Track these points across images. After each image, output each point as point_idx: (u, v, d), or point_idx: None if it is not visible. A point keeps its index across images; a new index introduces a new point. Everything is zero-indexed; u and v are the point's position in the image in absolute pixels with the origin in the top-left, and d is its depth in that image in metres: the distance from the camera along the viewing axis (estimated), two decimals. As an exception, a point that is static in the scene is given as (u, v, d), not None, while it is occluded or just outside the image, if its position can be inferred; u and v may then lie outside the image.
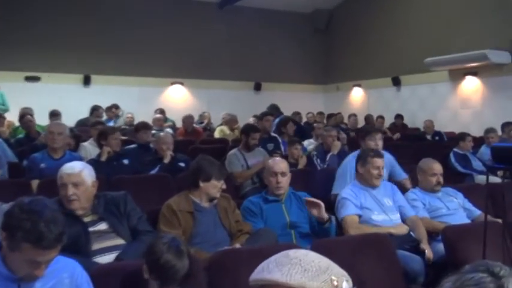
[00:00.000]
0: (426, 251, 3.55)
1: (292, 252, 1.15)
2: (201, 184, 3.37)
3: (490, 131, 7.49)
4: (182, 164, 5.44)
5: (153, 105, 12.00)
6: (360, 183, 4.01)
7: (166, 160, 5.33)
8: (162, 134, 5.99)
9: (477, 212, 4.25)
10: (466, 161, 7.05)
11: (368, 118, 11.83)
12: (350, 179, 4.44)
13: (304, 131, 8.89)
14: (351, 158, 4.67)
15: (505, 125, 8.13)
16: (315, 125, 8.67)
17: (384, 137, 9.60)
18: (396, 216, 3.90)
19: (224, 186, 3.46)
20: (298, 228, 3.63)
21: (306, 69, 14.92)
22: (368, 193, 3.94)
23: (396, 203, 4.00)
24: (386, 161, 4.56)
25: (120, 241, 2.87)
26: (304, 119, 11.90)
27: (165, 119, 10.46)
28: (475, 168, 6.87)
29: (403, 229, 3.77)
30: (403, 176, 5.05)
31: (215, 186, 3.39)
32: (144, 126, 6.44)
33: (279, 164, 3.80)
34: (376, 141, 4.79)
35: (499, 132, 7.90)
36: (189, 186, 3.45)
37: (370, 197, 3.90)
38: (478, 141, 7.93)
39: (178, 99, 13.26)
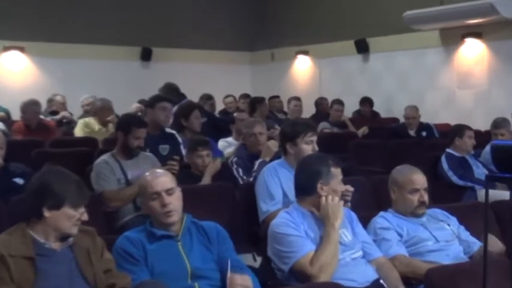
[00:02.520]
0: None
1: None
2: (47, 213, 3.30)
3: (500, 123, 7.80)
4: (18, 180, 5.27)
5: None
6: (303, 207, 4.11)
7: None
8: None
9: (477, 245, 4.42)
10: (465, 167, 7.33)
11: (320, 104, 12.04)
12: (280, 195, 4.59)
13: (218, 125, 8.93)
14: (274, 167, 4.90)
15: (521, 114, 8.51)
16: (235, 115, 8.70)
17: (344, 133, 9.98)
18: (358, 255, 4.01)
19: (85, 217, 3.41)
20: (205, 279, 3.64)
21: (222, 27, 14.99)
22: (313, 221, 4.03)
23: (357, 236, 4.12)
24: None
25: None
26: (220, 106, 11.94)
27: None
28: (478, 178, 7.15)
29: None
30: None
31: (70, 217, 3.33)
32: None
33: (159, 178, 3.82)
34: (313, 145, 4.98)
35: (513, 125, 8.25)
36: (27, 216, 3.38)
37: (316, 228, 4.00)
38: (483, 138, 8.27)
39: (15, 74, 13.00)
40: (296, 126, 5.09)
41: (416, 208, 4.42)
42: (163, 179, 3.82)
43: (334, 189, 4.08)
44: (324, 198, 3.99)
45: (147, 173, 3.98)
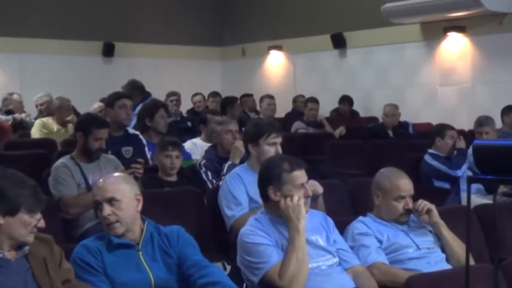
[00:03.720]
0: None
1: None
2: (1, 220, 3.28)
3: (483, 121, 7.83)
4: (-30, 186, 5.28)
5: None
6: (270, 212, 4.13)
7: None
8: None
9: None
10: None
11: (297, 101, 12.06)
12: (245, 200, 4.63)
13: (185, 126, 8.91)
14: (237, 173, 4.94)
15: (506, 111, 8.61)
16: (208, 116, 8.63)
17: (320, 133, 10.01)
18: (333, 262, 4.03)
19: (42, 224, 3.39)
20: (168, 292, 3.66)
21: (189, 21, 14.99)
22: (282, 228, 4.04)
23: (332, 243, 4.14)
24: None
25: None
26: (188, 105, 11.92)
27: None
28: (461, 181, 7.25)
29: None
30: None
31: (26, 224, 3.31)
32: None
33: (102, 186, 3.77)
34: (277, 147, 5.00)
35: (499, 123, 8.35)
36: (-21, 223, 3.36)
37: (285, 234, 4.01)
38: (467, 137, 8.31)
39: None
40: (259, 126, 5.10)
41: (401, 216, 4.44)
42: (106, 187, 3.76)
43: (288, 194, 4.00)
44: (282, 201, 3.97)
45: (104, 178, 3.94)
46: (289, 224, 3.91)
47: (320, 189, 4.67)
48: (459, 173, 7.25)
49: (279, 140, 5.02)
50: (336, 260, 4.08)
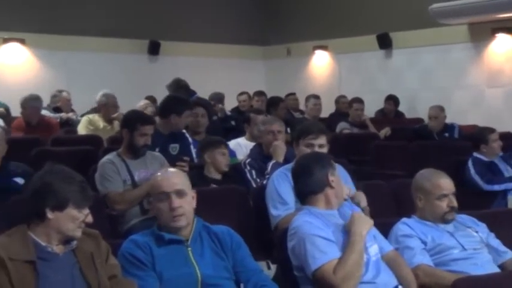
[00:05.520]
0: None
1: None
2: (50, 215, 3.33)
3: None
4: (19, 180, 5.40)
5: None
6: (318, 207, 4.12)
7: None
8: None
9: (509, 255, 4.44)
10: (494, 172, 7.34)
11: (340, 102, 12.02)
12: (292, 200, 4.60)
13: (229, 125, 8.92)
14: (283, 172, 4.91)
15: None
16: (251, 115, 8.63)
17: (365, 134, 9.96)
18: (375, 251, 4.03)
19: (90, 219, 3.44)
20: (216, 287, 3.67)
21: (235, 20, 15.00)
22: (330, 218, 4.05)
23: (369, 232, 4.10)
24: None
25: None
26: (232, 104, 11.94)
27: (-8, 103, 10.23)
28: (509, 176, 7.22)
29: None
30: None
31: (74, 219, 3.36)
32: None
33: (170, 178, 3.82)
34: (313, 148, 4.99)
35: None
36: (28, 217, 3.40)
37: (334, 227, 4.01)
38: (514, 140, 8.27)
39: (15, 67, 12.99)
40: (300, 127, 5.21)
41: (446, 214, 4.41)
42: (174, 180, 3.80)
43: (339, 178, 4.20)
44: (353, 215, 4.00)
45: (159, 172, 3.99)
46: (352, 228, 3.90)
47: (364, 202, 4.66)
48: (488, 187, 7.16)
49: (317, 141, 4.98)
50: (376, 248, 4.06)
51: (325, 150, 4.98)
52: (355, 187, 5.25)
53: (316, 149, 4.93)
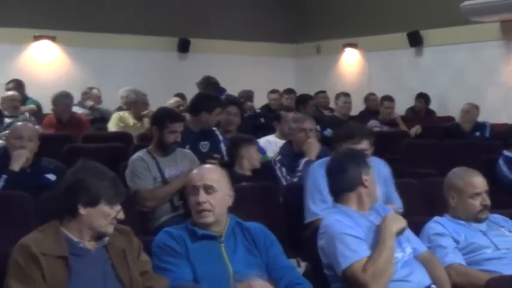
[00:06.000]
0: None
1: None
2: (82, 211, 3.35)
3: None
4: (51, 176, 5.41)
5: (3, 74, 11.83)
6: (349, 206, 4.11)
7: (17, 166, 5.29)
8: (18, 123, 5.93)
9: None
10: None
11: (370, 100, 11.99)
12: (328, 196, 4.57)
13: (259, 122, 8.92)
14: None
15: None
16: (282, 113, 8.63)
17: (395, 132, 9.92)
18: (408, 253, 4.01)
19: (122, 215, 3.45)
20: (248, 284, 3.67)
21: (264, 18, 15.00)
22: (360, 219, 4.02)
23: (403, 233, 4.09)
24: (377, 173, 4.69)
25: None
26: (262, 102, 11.94)
27: (24, 99, 10.27)
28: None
29: None
30: (396, 205, 5.18)
31: (106, 215, 3.38)
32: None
33: (203, 172, 3.84)
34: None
35: None
36: (60, 213, 3.42)
37: (365, 227, 3.99)
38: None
39: (46, 65, 13.14)
40: (343, 130, 5.18)
41: (479, 213, 4.38)
42: (206, 175, 3.81)
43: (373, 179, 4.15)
44: (385, 215, 3.99)
45: (200, 167, 4.03)
46: (383, 227, 3.89)
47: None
48: None
49: (359, 146, 4.90)
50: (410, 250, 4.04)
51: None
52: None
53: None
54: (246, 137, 6.40)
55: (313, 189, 4.95)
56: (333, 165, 4.26)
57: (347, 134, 5.04)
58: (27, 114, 9.30)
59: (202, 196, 3.72)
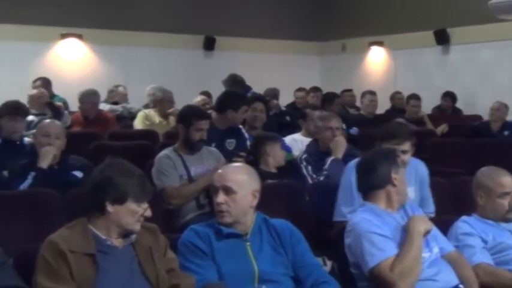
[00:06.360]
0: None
1: None
2: (110, 208, 3.36)
3: None
4: (78, 174, 5.46)
5: (30, 72, 11.88)
6: (377, 204, 4.10)
7: (44, 163, 5.31)
8: (46, 121, 5.96)
9: None
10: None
11: (396, 98, 11.93)
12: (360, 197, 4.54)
13: (284, 120, 8.91)
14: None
15: None
16: (308, 111, 8.60)
17: (422, 131, 9.88)
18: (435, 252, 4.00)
19: (149, 213, 3.47)
20: (273, 283, 3.66)
21: (289, 15, 15.00)
22: (388, 218, 4.02)
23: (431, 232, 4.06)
24: (414, 174, 4.74)
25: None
26: (287, 100, 11.93)
27: (51, 97, 10.33)
28: None
29: None
30: (429, 209, 5.14)
31: (133, 212, 3.39)
32: (11, 109, 6.43)
33: (224, 173, 3.83)
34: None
35: None
36: (88, 211, 3.44)
37: (392, 226, 3.98)
38: None
39: (72, 63, 13.20)
40: (386, 129, 5.10)
41: (508, 212, 4.36)
42: (228, 176, 3.80)
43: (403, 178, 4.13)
44: (412, 217, 3.97)
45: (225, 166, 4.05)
46: (411, 226, 3.88)
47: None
48: None
49: (401, 147, 4.82)
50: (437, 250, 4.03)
51: (407, 156, 4.85)
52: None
53: (403, 157, 4.77)
54: (270, 135, 6.40)
55: (347, 190, 4.93)
56: (363, 162, 4.25)
57: (389, 134, 4.97)
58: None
59: (221, 197, 3.73)
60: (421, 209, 4.48)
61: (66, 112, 9.15)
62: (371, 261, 3.79)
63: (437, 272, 3.87)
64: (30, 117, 8.04)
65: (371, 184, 4.10)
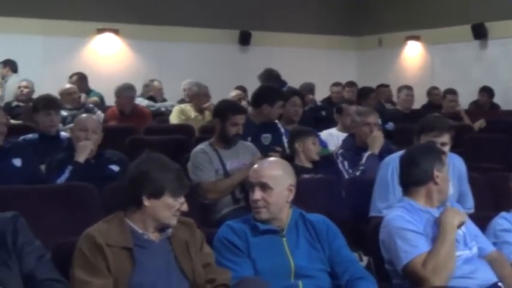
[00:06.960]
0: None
1: None
2: (146, 202, 3.37)
3: None
4: (114, 168, 5.49)
5: (67, 67, 11.98)
6: (416, 200, 4.06)
7: (82, 157, 5.34)
8: (83, 115, 6.02)
9: None
10: None
11: (432, 93, 11.85)
12: (395, 192, 4.51)
13: (320, 115, 8.89)
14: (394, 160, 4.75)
15: None
16: (343, 105, 8.58)
17: (459, 126, 9.80)
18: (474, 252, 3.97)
19: (185, 207, 3.47)
20: (310, 279, 3.66)
21: (325, 10, 14.98)
22: (424, 214, 3.98)
23: (470, 231, 4.05)
24: (451, 169, 4.68)
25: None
26: (323, 94, 11.91)
27: (88, 92, 10.40)
28: None
29: None
30: (468, 205, 5.09)
31: (170, 207, 3.40)
32: (48, 103, 6.44)
33: (260, 169, 3.82)
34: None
35: None
36: (125, 205, 3.46)
37: (426, 221, 3.95)
38: None
39: (109, 57, 13.33)
40: (424, 121, 5.04)
41: None
42: (264, 172, 3.80)
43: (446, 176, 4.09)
44: (445, 209, 3.93)
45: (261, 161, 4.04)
46: (444, 220, 3.85)
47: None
48: None
49: (440, 139, 4.76)
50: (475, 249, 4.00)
51: (446, 148, 4.77)
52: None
53: (443, 148, 4.73)
54: (303, 129, 6.38)
55: (384, 185, 4.90)
56: (406, 157, 4.21)
57: (428, 126, 4.90)
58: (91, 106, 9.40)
59: (257, 194, 3.73)
60: (459, 204, 4.45)
61: (99, 112, 9.19)
62: (404, 258, 3.77)
63: (475, 269, 3.84)
64: (64, 113, 8.09)
65: (412, 179, 4.07)
